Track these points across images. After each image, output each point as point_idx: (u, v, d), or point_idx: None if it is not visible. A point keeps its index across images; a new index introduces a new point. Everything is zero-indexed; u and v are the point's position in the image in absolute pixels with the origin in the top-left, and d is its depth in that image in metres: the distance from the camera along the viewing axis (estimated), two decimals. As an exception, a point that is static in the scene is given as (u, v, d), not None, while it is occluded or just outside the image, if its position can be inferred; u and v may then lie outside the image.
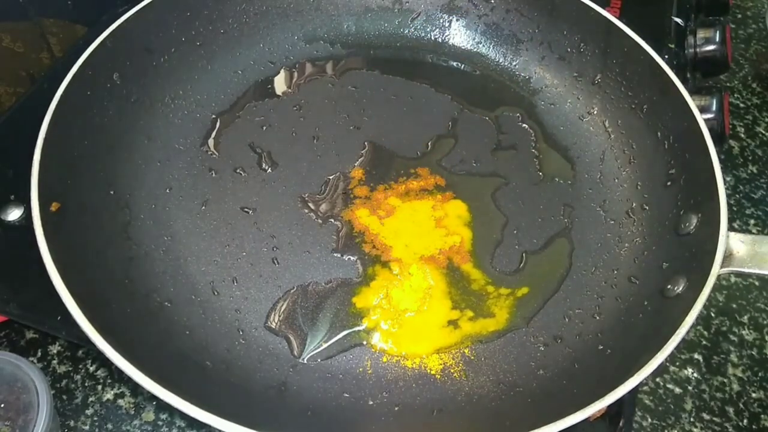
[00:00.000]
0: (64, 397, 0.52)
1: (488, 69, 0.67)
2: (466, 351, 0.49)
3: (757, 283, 0.62)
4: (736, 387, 0.56)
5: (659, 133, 0.56)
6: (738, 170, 0.71)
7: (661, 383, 0.56)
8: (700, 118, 0.51)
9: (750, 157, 0.73)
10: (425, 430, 0.46)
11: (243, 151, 0.58)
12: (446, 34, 0.68)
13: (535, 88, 0.65)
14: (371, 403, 0.46)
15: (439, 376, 0.48)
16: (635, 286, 0.51)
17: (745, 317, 0.60)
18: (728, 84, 0.79)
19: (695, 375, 0.57)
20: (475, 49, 0.67)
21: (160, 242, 0.52)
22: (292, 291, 0.51)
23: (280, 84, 0.64)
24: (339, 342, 0.49)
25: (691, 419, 0.54)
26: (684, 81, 0.53)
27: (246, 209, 0.55)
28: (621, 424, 0.49)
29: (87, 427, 0.50)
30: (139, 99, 0.57)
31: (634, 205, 0.56)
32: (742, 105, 0.77)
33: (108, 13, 0.66)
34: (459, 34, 0.68)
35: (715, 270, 0.44)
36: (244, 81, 0.63)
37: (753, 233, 0.65)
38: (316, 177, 0.57)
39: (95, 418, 0.51)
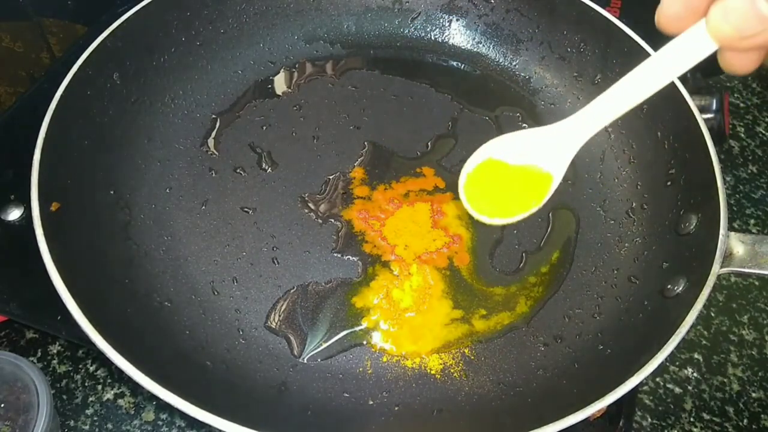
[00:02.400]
0: (64, 397, 0.52)
1: (488, 69, 0.67)
2: (466, 351, 0.49)
3: (757, 283, 0.62)
4: (736, 387, 0.56)
5: (659, 133, 0.56)
6: (738, 170, 0.71)
7: (661, 383, 0.56)
8: (700, 118, 0.51)
9: (750, 157, 0.73)
10: (425, 430, 0.46)
11: (243, 151, 0.58)
12: (446, 34, 0.68)
13: (535, 88, 0.65)
14: (371, 403, 0.46)
15: (439, 376, 0.48)
16: (635, 286, 0.51)
17: (745, 317, 0.60)
18: (728, 84, 0.79)
19: (695, 375, 0.57)
20: (475, 49, 0.67)
21: (160, 242, 0.52)
22: (292, 291, 0.51)
23: (280, 84, 0.64)
24: (339, 342, 0.49)
25: (691, 419, 0.54)
26: (684, 81, 0.53)
27: (246, 209, 0.55)
28: (621, 424, 0.49)
29: (87, 427, 0.50)
30: (139, 99, 0.57)
31: (634, 205, 0.56)
32: (742, 105, 0.78)
33: (108, 13, 0.66)
34: (459, 34, 0.68)
35: (715, 270, 0.44)
36: (244, 81, 0.63)
37: (753, 233, 0.65)
38: (316, 177, 0.57)
39: (95, 418, 0.51)
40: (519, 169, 0.43)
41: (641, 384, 0.49)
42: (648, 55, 0.56)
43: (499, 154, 0.44)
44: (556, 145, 0.42)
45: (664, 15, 0.33)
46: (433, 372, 0.48)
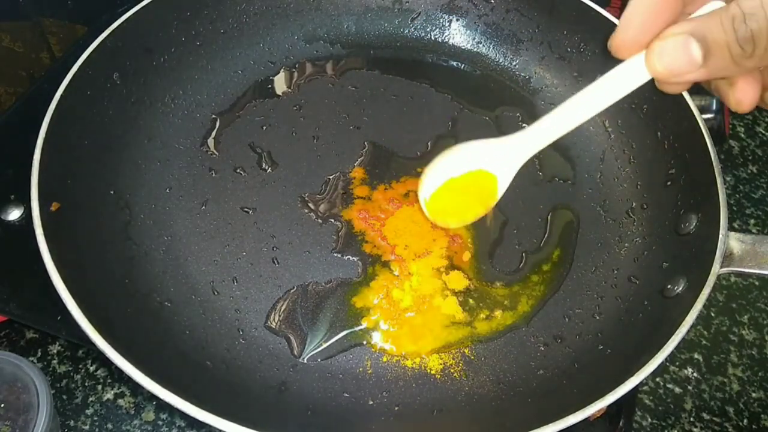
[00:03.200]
0: (64, 397, 0.52)
1: (488, 69, 0.67)
2: (466, 351, 0.49)
3: (757, 283, 0.62)
4: (736, 387, 0.56)
5: (659, 133, 0.56)
6: (738, 170, 0.71)
7: (661, 383, 0.56)
8: (700, 118, 0.51)
9: (750, 157, 0.73)
10: (425, 430, 0.46)
11: (243, 151, 0.58)
12: (446, 34, 0.68)
13: (535, 88, 0.65)
14: (371, 403, 0.46)
15: (439, 376, 0.48)
16: (635, 286, 0.51)
17: (745, 317, 0.60)
18: (728, 84, 0.79)
19: (695, 375, 0.57)
20: (475, 49, 0.67)
21: (160, 242, 0.52)
22: (292, 291, 0.51)
23: (280, 84, 0.64)
24: (339, 342, 0.49)
25: (691, 419, 0.54)
26: (684, 81, 0.53)
27: (246, 209, 0.55)
28: (621, 424, 0.49)
29: (87, 427, 0.50)
30: (139, 99, 0.57)
31: (634, 205, 0.56)
32: (742, 105, 0.77)
33: (108, 13, 0.66)
34: (459, 34, 0.68)
35: (715, 270, 0.44)
36: (244, 81, 0.63)
37: (753, 233, 0.65)
38: (316, 177, 0.57)
39: (95, 418, 0.51)
40: (469, 176, 0.47)
41: (641, 384, 0.49)
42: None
43: (452, 172, 0.48)
44: (503, 155, 0.46)
45: (619, 40, 0.36)
46: (433, 372, 0.48)
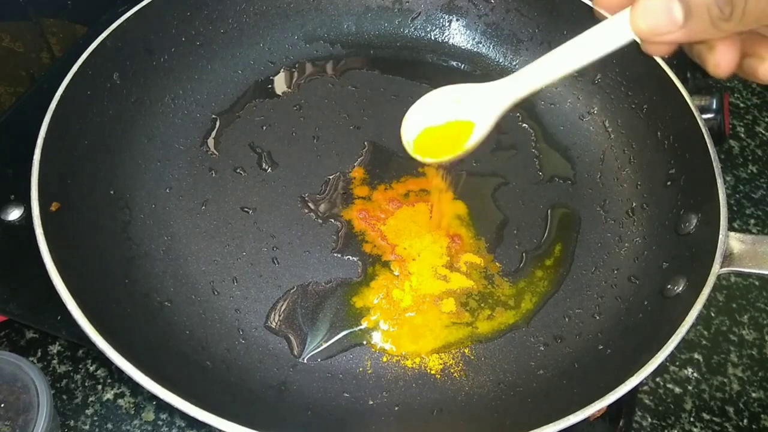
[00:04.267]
0: (64, 397, 0.52)
1: (488, 69, 0.67)
2: (466, 351, 0.49)
3: (757, 283, 0.62)
4: (736, 387, 0.56)
5: (659, 133, 0.56)
6: (738, 170, 0.71)
7: (661, 383, 0.56)
8: (700, 118, 0.51)
9: (750, 157, 0.73)
10: (425, 430, 0.46)
11: (243, 151, 0.58)
12: (446, 34, 0.68)
13: (535, 88, 0.65)
14: (371, 403, 0.46)
15: (439, 376, 0.48)
16: (635, 286, 0.51)
17: (745, 317, 0.60)
18: (728, 84, 0.79)
19: (695, 375, 0.57)
20: (475, 49, 0.67)
21: (160, 242, 0.52)
22: (292, 291, 0.51)
23: (280, 84, 0.64)
24: (339, 342, 0.49)
25: (691, 419, 0.54)
26: (684, 81, 0.53)
27: (246, 209, 0.55)
28: (621, 424, 0.49)
29: (87, 427, 0.50)
30: (139, 99, 0.57)
31: (634, 205, 0.56)
32: (742, 105, 0.78)
33: (108, 13, 0.66)
34: (459, 34, 0.68)
35: (715, 270, 0.44)
36: (244, 81, 0.63)
37: (753, 233, 0.65)
38: (316, 177, 0.57)
39: (95, 418, 0.51)
40: (449, 125, 0.45)
41: (641, 384, 0.49)
42: (648, 55, 0.56)
43: (432, 121, 0.46)
44: (483, 104, 0.44)
45: None
46: (433, 372, 0.48)
